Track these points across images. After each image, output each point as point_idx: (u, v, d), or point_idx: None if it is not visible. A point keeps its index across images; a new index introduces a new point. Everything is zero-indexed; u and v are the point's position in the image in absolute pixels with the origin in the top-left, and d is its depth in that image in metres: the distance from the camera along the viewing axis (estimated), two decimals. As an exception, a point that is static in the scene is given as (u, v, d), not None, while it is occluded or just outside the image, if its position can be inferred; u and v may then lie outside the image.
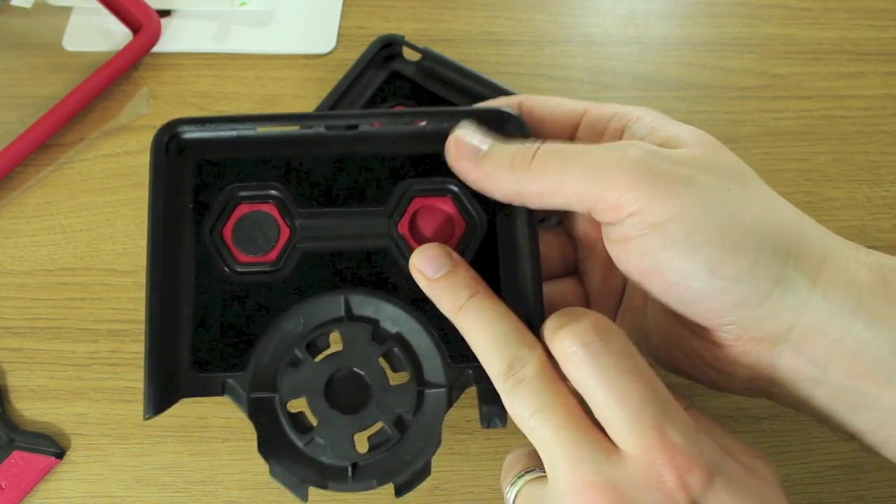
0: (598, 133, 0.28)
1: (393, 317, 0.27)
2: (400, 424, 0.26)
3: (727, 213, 0.23)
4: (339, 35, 0.46)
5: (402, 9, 0.47)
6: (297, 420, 0.26)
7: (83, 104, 0.42)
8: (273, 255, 0.28)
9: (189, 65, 0.45)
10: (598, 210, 0.24)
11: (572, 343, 0.22)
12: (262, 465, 0.35)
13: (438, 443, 0.26)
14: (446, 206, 0.28)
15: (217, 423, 0.36)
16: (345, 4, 0.47)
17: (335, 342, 0.27)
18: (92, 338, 0.38)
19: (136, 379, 0.37)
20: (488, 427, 0.26)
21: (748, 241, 0.23)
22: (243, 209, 0.28)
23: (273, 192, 0.28)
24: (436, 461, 0.26)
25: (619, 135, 0.27)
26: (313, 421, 0.26)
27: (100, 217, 0.41)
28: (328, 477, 0.26)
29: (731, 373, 0.26)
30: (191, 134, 0.28)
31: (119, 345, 0.38)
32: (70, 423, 0.36)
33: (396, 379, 0.26)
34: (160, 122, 0.43)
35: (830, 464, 0.35)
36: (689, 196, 0.23)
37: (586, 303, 0.30)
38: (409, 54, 0.42)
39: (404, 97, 0.41)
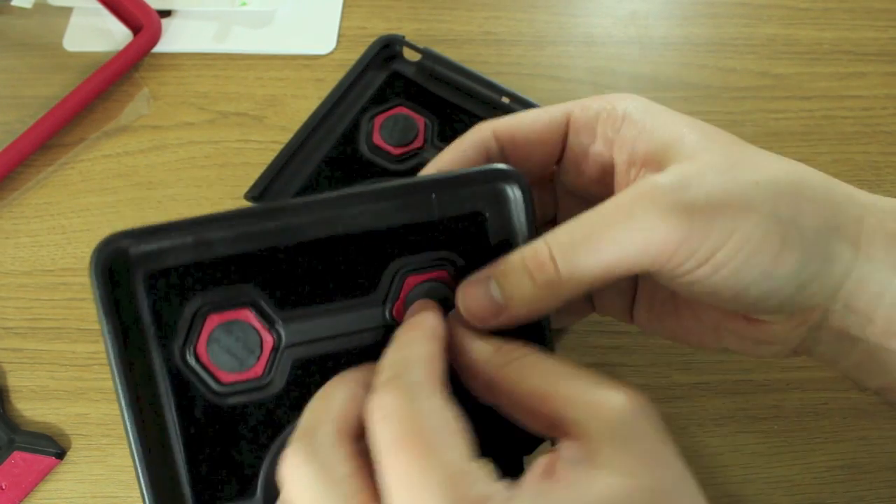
0: (590, 138, 0.27)
1: None
2: None
3: (765, 214, 0.23)
4: (339, 35, 0.46)
5: (402, 9, 0.47)
6: None
7: (83, 104, 0.42)
8: (259, 369, 0.25)
9: (189, 65, 0.45)
10: (647, 269, 0.23)
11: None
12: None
13: None
14: (444, 280, 0.26)
15: (217, 423, 0.36)
16: (345, 5, 0.47)
17: None
18: (92, 338, 0.38)
19: (136, 379, 0.37)
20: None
21: (792, 234, 0.23)
22: (214, 320, 0.24)
23: (245, 294, 0.25)
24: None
25: (611, 143, 0.26)
26: None
27: (100, 217, 0.41)
28: None
29: (782, 343, 0.26)
30: (135, 248, 0.24)
31: (119, 345, 0.38)
32: (70, 423, 0.36)
33: None
34: (161, 122, 0.44)
35: (830, 464, 0.35)
36: (724, 219, 0.22)
37: None
38: (410, 54, 0.42)
39: (404, 98, 0.41)
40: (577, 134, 0.27)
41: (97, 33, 0.46)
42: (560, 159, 0.28)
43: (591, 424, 0.20)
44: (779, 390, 0.36)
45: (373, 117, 0.41)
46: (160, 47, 0.45)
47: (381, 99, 0.41)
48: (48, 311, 0.38)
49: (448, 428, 0.19)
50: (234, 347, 0.25)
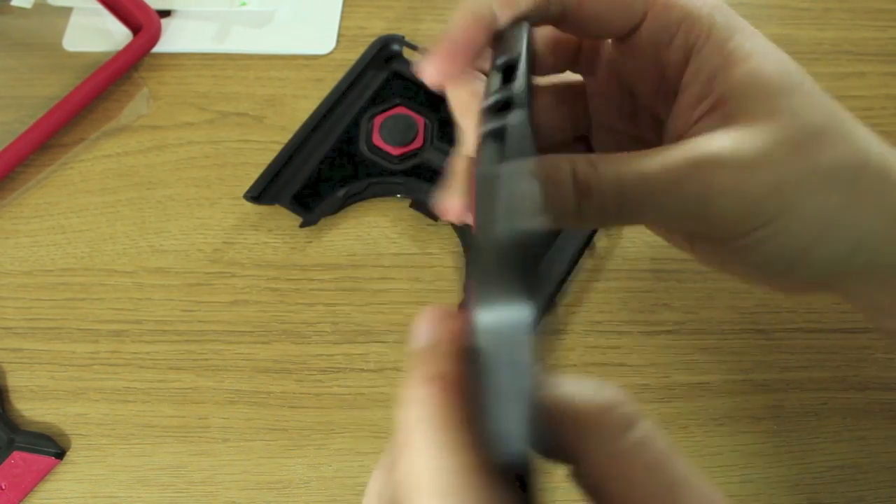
0: (664, 44, 0.25)
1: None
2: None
3: (812, 205, 0.23)
4: (339, 35, 0.46)
5: (402, 9, 0.47)
6: None
7: (83, 104, 0.42)
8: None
9: (189, 65, 0.45)
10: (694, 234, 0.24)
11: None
12: (262, 466, 0.35)
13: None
14: None
15: (217, 423, 0.36)
16: (345, 4, 0.47)
17: None
18: (92, 338, 0.38)
19: (136, 379, 0.37)
20: None
21: (837, 224, 0.23)
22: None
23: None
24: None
25: (688, 59, 0.25)
26: None
27: (100, 217, 0.41)
28: None
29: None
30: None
31: (119, 345, 0.38)
32: (70, 423, 0.36)
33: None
34: (160, 122, 0.44)
35: (830, 464, 0.35)
36: (772, 203, 0.23)
37: None
38: (410, 54, 0.42)
39: (404, 98, 0.41)
40: (652, 31, 0.25)
41: (97, 33, 0.46)
42: (619, 43, 0.26)
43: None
44: (779, 390, 0.36)
45: (372, 117, 0.41)
46: (160, 47, 0.45)
47: (380, 99, 0.41)
48: (47, 311, 0.38)
49: None
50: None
